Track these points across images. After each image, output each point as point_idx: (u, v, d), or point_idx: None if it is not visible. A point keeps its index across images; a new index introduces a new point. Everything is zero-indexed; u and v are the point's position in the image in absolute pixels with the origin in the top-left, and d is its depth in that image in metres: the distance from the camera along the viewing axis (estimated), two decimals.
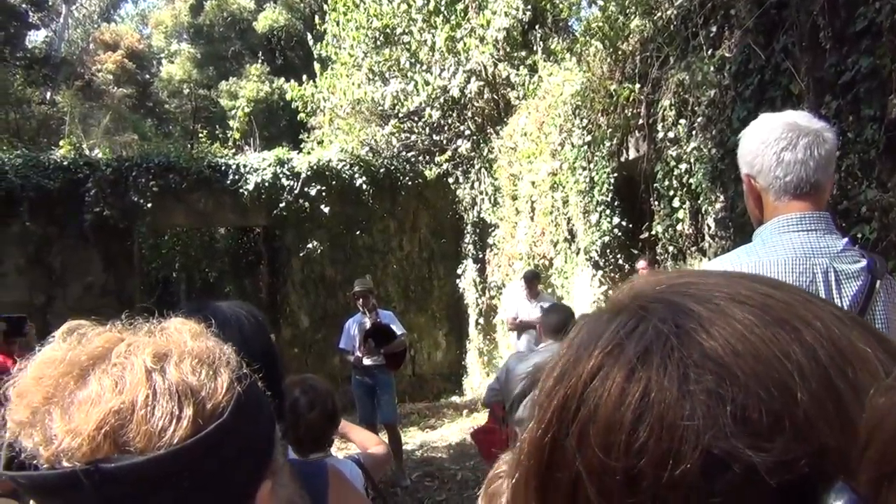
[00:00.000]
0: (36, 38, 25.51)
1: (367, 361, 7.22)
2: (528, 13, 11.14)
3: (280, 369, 1.43)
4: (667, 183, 6.59)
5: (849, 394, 0.43)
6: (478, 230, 11.80)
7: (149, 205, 10.43)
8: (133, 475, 0.61)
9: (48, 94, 22.62)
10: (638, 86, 6.94)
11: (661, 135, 6.66)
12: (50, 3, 23.74)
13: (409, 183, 11.97)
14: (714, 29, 5.85)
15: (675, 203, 6.50)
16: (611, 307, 0.51)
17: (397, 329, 7.36)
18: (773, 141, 1.75)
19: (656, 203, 6.94)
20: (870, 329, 0.48)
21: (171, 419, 0.63)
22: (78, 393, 0.64)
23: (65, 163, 10.35)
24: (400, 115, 12.07)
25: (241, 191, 10.94)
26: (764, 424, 0.41)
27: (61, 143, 11.68)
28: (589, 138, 8.01)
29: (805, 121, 1.77)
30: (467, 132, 11.79)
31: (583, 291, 8.31)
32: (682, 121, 6.32)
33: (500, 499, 1.33)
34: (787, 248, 1.71)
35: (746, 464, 0.40)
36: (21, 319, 5.92)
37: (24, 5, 20.71)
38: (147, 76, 27.05)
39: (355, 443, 3.32)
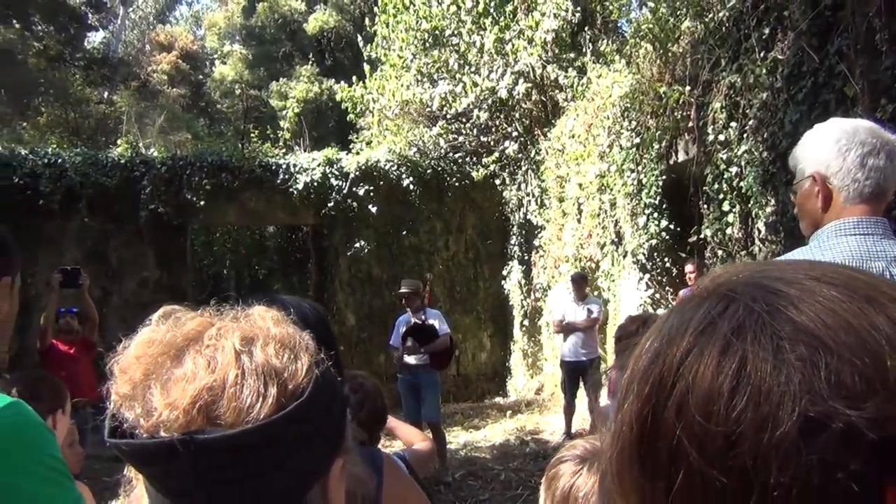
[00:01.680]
0: (94, 39, 26.25)
1: (410, 360, 7.26)
2: (578, 14, 11.11)
3: (340, 361, 1.49)
4: (716, 186, 6.52)
5: None
6: (524, 232, 11.81)
7: (202, 203, 10.71)
8: (224, 446, 0.67)
9: (106, 94, 23.25)
10: (688, 88, 6.89)
11: (711, 137, 6.59)
12: (108, 6, 24.36)
13: (456, 184, 12.05)
14: (767, 31, 5.77)
15: (725, 206, 6.42)
16: (695, 295, 0.54)
17: (441, 328, 7.36)
18: (857, 143, 1.78)
19: (705, 206, 6.87)
20: None
21: (258, 397, 0.69)
22: (174, 370, 0.71)
23: (122, 161, 10.68)
24: (448, 116, 12.15)
25: (290, 190, 11.14)
26: (858, 388, 0.44)
27: (118, 141, 12.03)
28: (637, 140, 7.98)
29: (881, 129, 1.82)
30: (515, 134, 11.80)
31: (629, 295, 8.26)
32: (733, 123, 6.25)
33: (559, 481, 1.40)
34: (844, 251, 1.74)
35: (845, 422, 0.43)
36: (76, 271, 6.12)
37: (83, 7, 21.29)
38: (200, 77, 27.59)
39: (401, 438, 3.35)
